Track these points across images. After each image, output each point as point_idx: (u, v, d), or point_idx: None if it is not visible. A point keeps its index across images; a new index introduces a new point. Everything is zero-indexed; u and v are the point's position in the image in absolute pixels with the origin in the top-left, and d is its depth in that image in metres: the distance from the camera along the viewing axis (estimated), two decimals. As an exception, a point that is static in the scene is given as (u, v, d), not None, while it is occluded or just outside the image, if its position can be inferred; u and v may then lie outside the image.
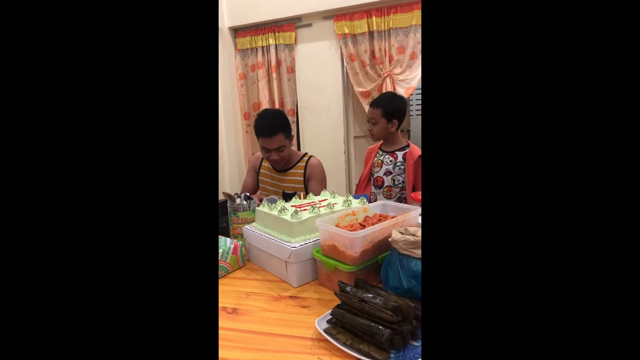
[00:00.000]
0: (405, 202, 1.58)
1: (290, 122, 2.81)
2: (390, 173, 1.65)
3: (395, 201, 1.64)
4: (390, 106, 1.60)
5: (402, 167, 1.63)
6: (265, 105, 2.84)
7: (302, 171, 1.64)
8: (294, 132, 2.85)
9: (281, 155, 1.55)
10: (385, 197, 1.67)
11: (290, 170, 1.66)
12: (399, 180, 1.64)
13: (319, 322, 0.72)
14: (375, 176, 1.70)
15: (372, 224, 0.93)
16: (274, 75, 2.82)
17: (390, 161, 1.65)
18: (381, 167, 1.68)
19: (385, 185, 1.67)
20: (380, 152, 1.71)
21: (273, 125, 1.51)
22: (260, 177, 1.74)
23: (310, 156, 1.68)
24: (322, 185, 1.64)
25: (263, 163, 1.75)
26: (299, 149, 2.89)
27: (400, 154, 1.64)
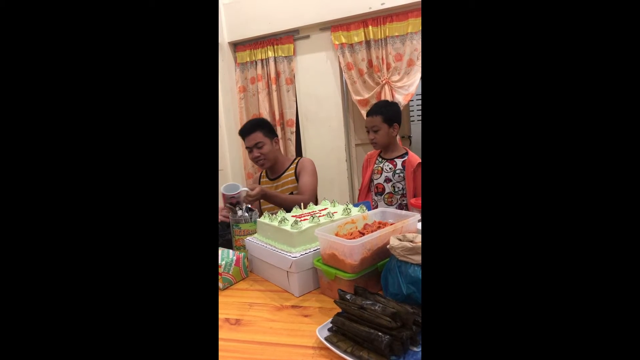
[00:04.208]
0: (406, 209, 1.59)
1: (290, 132, 2.86)
2: (390, 180, 1.66)
3: (396, 208, 1.65)
4: (388, 111, 1.63)
5: (401, 174, 1.64)
6: (265, 117, 2.87)
7: (293, 172, 1.71)
8: (293, 141, 2.88)
9: (262, 152, 1.66)
10: (386, 204, 1.68)
11: (283, 175, 1.73)
12: (399, 188, 1.66)
13: (320, 331, 0.73)
14: (375, 183, 1.72)
15: (372, 232, 0.94)
16: (274, 87, 2.86)
17: (390, 168, 1.67)
18: (381, 174, 1.69)
19: (386, 192, 1.68)
20: (380, 159, 1.72)
21: (250, 125, 1.68)
22: None
23: (301, 158, 1.76)
24: (313, 177, 1.68)
25: (262, 177, 1.83)
26: (300, 158, 2.92)
27: (399, 162, 1.66)
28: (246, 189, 1.39)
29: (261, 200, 1.77)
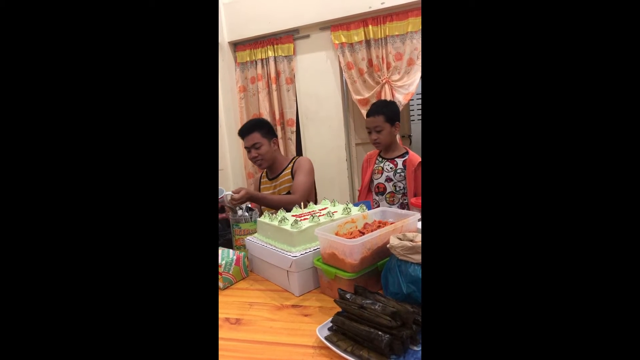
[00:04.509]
0: (408, 208, 1.59)
1: (290, 132, 2.86)
2: (391, 180, 1.66)
3: (397, 207, 1.65)
4: (389, 110, 1.63)
5: (402, 173, 1.64)
6: (265, 116, 2.87)
7: (290, 171, 1.72)
8: (293, 141, 2.88)
9: (259, 153, 1.68)
10: (388, 203, 1.68)
11: (281, 174, 1.74)
12: (400, 187, 1.66)
13: (320, 330, 0.73)
14: (376, 183, 1.72)
15: (372, 231, 0.94)
16: (274, 86, 2.86)
17: (391, 168, 1.67)
18: (381, 173, 1.69)
19: (387, 191, 1.68)
20: (380, 159, 1.72)
21: (249, 125, 1.69)
22: (261, 191, 1.82)
23: (299, 157, 1.77)
24: (307, 177, 1.67)
25: (262, 178, 1.84)
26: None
27: (400, 161, 1.66)
28: (230, 192, 1.38)
29: None
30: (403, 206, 1.65)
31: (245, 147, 1.72)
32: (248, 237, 1.16)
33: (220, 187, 1.41)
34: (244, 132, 1.69)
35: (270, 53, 2.84)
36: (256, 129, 1.67)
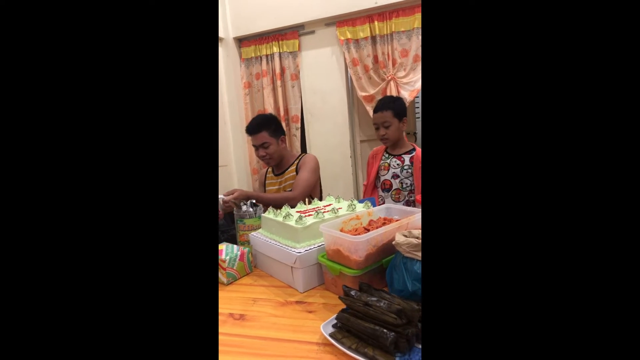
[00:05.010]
0: (414, 205, 1.58)
1: (295, 128, 2.85)
2: (398, 176, 1.65)
3: (403, 204, 1.64)
4: (397, 106, 1.62)
5: (409, 170, 1.63)
6: (270, 112, 2.87)
7: (295, 167, 1.72)
8: (298, 137, 2.88)
9: (267, 152, 1.67)
10: (394, 200, 1.67)
11: (287, 171, 1.74)
12: (406, 184, 1.64)
13: (325, 327, 0.73)
14: (382, 179, 1.70)
15: (377, 228, 0.93)
16: (279, 82, 2.85)
17: (398, 164, 1.65)
18: (388, 170, 1.68)
19: (393, 188, 1.67)
20: (387, 155, 1.70)
21: (257, 123, 1.67)
22: (267, 188, 1.82)
23: (305, 154, 1.76)
24: (310, 174, 1.65)
25: (268, 174, 1.84)
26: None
27: (407, 157, 1.64)
28: (221, 197, 1.36)
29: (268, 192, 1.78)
30: (409, 203, 1.64)
31: (253, 145, 1.70)
32: (252, 233, 1.16)
33: None
34: (251, 131, 1.67)
35: (275, 49, 2.83)
36: (264, 128, 1.65)
